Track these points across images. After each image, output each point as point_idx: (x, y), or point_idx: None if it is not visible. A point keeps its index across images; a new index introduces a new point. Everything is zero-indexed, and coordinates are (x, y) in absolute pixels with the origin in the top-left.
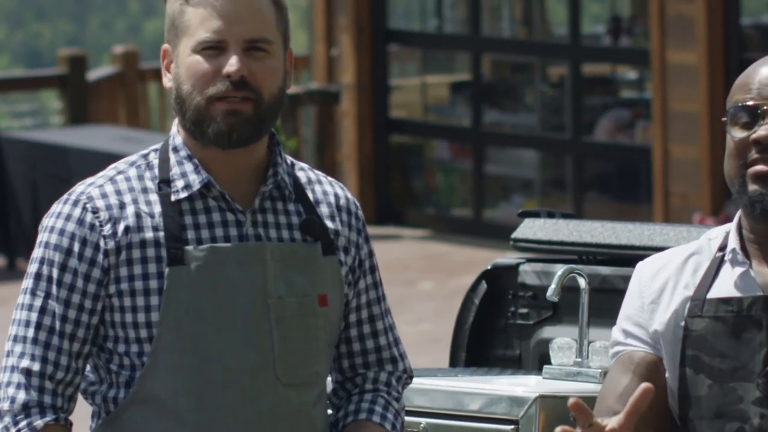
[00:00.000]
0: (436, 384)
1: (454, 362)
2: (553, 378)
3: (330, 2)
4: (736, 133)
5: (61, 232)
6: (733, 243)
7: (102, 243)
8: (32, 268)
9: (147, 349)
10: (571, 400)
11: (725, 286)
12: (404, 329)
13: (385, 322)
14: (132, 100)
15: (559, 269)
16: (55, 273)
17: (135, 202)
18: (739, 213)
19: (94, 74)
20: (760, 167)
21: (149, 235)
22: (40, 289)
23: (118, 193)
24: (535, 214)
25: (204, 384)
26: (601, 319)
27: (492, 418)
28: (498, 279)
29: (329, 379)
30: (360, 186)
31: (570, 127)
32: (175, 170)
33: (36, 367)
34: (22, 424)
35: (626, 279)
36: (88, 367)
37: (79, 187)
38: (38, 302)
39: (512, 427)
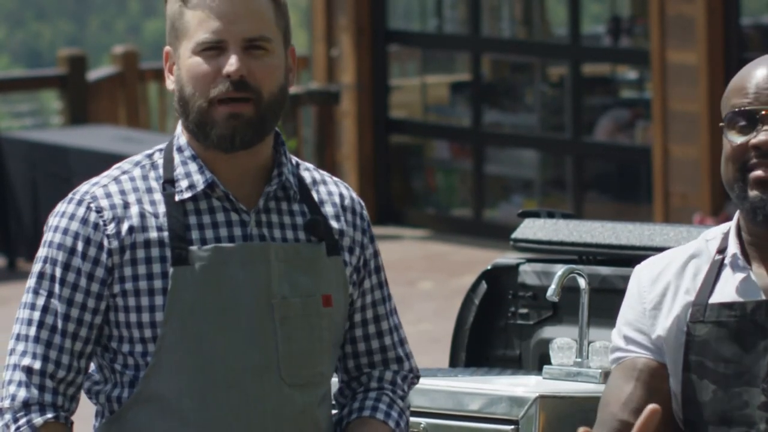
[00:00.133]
0: (436, 384)
1: (454, 362)
2: (553, 378)
3: (330, 2)
4: (735, 138)
5: (65, 231)
6: (734, 248)
7: (106, 242)
8: (36, 267)
9: (151, 348)
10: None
11: (727, 291)
12: (404, 329)
13: (391, 322)
14: (132, 100)
15: (559, 269)
16: (58, 272)
17: (139, 202)
18: (737, 215)
19: (94, 74)
20: (759, 173)
21: (153, 235)
22: (43, 288)
23: (123, 192)
24: (535, 214)
25: (208, 384)
26: (601, 319)
27: (492, 418)
28: (498, 279)
29: (334, 378)
30: (360, 186)
31: (570, 127)
32: (179, 170)
33: (37, 365)
34: (22, 421)
35: (626, 279)
36: (92, 367)
37: (83, 187)
38: (41, 301)
39: (512, 427)
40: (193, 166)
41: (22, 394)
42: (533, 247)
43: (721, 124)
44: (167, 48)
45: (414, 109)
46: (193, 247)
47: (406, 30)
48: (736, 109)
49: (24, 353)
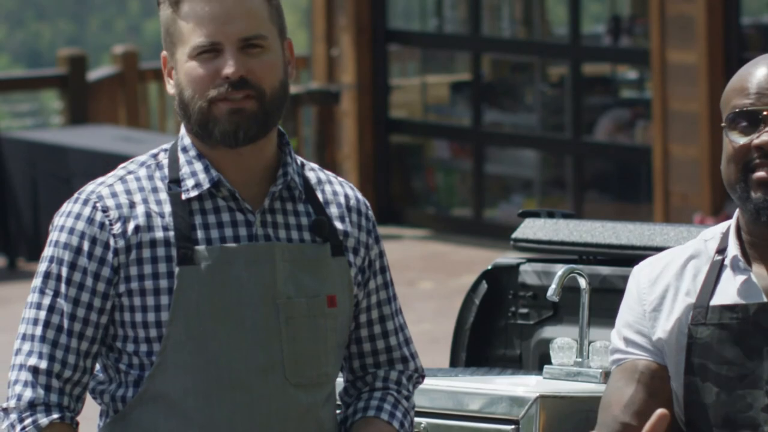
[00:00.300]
0: (436, 384)
1: (454, 362)
2: (553, 378)
3: (330, 2)
4: (737, 139)
5: (71, 231)
6: (734, 250)
7: (112, 242)
8: (42, 266)
9: (156, 348)
10: None
11: (728, 293)
12: None
13: (396, 322)
14: (132, 100)
15: (560, 269)
16: (64, 271)
17: (145, 201)
18: (736, 215)
19: (94, 74)
20: (762, 174)
21: (159, 234)
22: (50, 287)
23: (128, 192)
24: (535, 214)
25: (213, 384)
26: (602, 319)
27: (492, 418)
28: (498, 279)
29: (339, 378)
30: (360, 186)
31: (570, 127)
32: (184, 170)
33: (43, 365)
34: (27, 421)
35: (626, 279)
36: (97, 367)
37: (89, 186)
38: (47, 300)
39: (512, 427)
40: (198, 166)
41: (28, 394)
42: (533, 246)
43: (722, 124)
44: (164, 53)
45: (414, 108)
46: (199, 247)
47: (406, 30)
48: (738, 110)
49: (30, 353)
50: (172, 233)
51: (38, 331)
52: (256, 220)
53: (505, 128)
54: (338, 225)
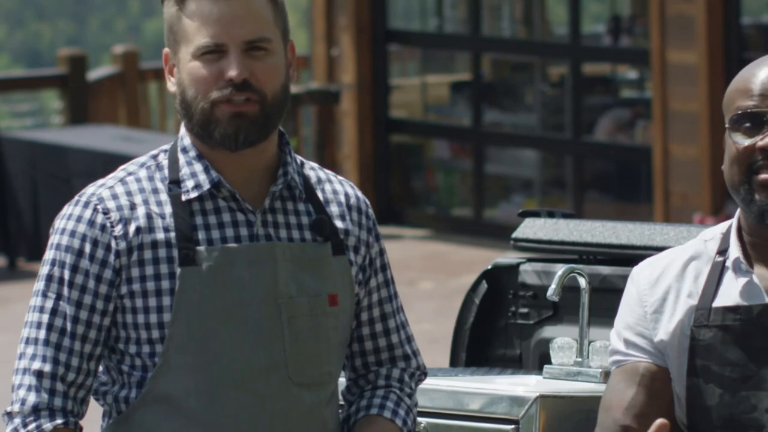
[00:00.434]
0: (436, 384)
1: (454, 362)
2: (553, 378)
3: (330, 2)
4: (741, 140)
5: (72, 234)
6: (736, 251)
7: (113, 244)
8: (44, 269)
9: (159, 349)
10: None
11: (730, 295)
12: None
13: (397, 319)
14: (132, 100)
15: (560, 269)
16: (66, 274)
17: (146, 202)
18: (737, 215)
19: (94, 74)
20: (767, 176)
21: (160, 235)
22: (52, 290)
23: (129, 194)
24: (535, 214)
25: (215, 384)
26: (602, 318)
27: (492, 417)
28: (498, 279)
29: (342, 377)
30: (360, 185)
31: (570, 127)
32: (184, 170)
33: (47, 368)
34: (31, 426)
35: (626, 279)
36: (100, 368)
37: (89, 189)
38: (49, 304)
39: (513, 426)
40: (198, 166)
41: (32, 398)
42: (533, 246)
43: (726, 125)
44: (166, 50)
45: (414, 108)
46: (200, 248)
47: (406, 30)
48: (742, 111)
49: (34, 356)
50: (173, 234)
51: (41, 334)
52: (256, 220)
53: (505, 128)
54: (339, 224)
